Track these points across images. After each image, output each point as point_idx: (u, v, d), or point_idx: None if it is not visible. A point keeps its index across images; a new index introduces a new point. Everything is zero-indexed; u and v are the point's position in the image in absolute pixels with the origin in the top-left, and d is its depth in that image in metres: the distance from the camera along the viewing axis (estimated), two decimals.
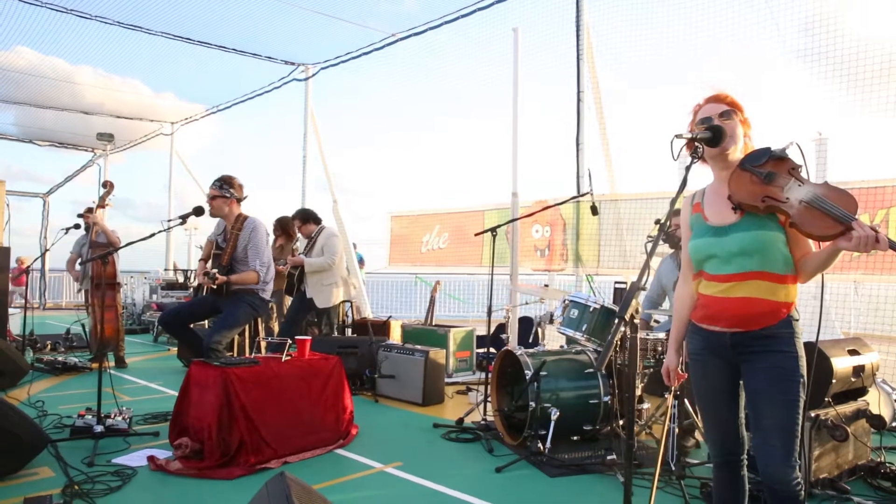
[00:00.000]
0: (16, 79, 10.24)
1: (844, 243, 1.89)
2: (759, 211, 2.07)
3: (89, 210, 7.27)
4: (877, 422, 3.67)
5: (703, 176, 2.42)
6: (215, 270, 4.55)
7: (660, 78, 7.05)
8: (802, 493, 2.07)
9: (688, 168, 2.11)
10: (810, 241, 2.08)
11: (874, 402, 4.16)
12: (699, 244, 2.22)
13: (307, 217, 6.75)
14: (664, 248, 4.94)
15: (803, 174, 2.07)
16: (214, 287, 4.54)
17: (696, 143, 2.15)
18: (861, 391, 3.84)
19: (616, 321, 1.93)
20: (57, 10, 7.64)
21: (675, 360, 2.42)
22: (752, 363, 2.14)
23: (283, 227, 7.42)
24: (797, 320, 2.14)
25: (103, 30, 8.36)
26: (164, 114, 13.26)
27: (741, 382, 2.23)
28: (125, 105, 12.17)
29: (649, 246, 2.11)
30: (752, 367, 2.14)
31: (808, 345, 3.33)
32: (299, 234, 6.91)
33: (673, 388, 2.44)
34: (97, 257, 4.98)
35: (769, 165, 2.10)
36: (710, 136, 2.14)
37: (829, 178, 5.98)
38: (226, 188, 4.77)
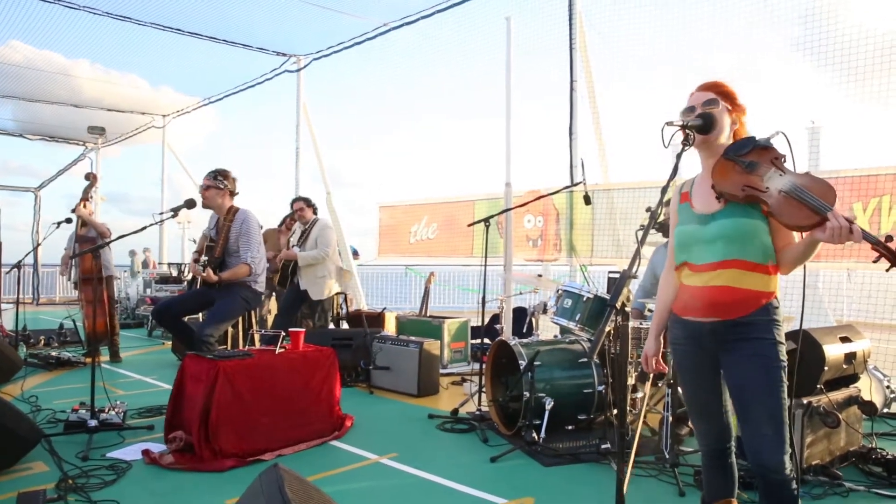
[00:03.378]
0: (8, 72, 10.14)
1: (819, 234, 1.89)
2: (738, 200, 2.07)
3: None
4: (868, 408, 3.70)
5: (695, 164, 2.42)
6: (205, 259, 4.55)
7: (654, 66, 7.03)
8: (795, 480, 2.08)
9: (678, 156, 2.10)
10: (793, 232, 2.08)
11: (866, 388, 4.19)
12: (684, 230, 2.24)
13: (310, 202, 6.78)
14: (657, 238, 4.94)
15: (788, 164, 2.07)
16: (203, 277, 4.53)
17: (687, 131, 2.14)
18: (853, 378, 3.86)
19: (607, 310, 1.92)
20: (43, 0, 7.54)
21: (654, 347, 2.44)
22: (731, 353, 2.14)
23: None
24: (776, 307, 2.13)
25: (94, 22, 8.27)
26: (157, 107, 13.16)
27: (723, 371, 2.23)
28: (120, 98, 12.07)
29: (640, 234, 2.10)
30: (731, 358, 2.14)
31: (792, 332, 3.35)
32: (296, 224, 6.88)
33: (651, 374, 2.46)
34: (85, 252, 4.95)
35: (753, 155, 2.10)
36: (700, 123, 2.14)
37: (821, 166, 5.99)
38: (220, 179, 4.77)
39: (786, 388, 2.08)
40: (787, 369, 2.10)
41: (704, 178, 2.25)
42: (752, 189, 2.03)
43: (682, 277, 2.26)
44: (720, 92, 2.22)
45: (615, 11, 6.88)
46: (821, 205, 1.87)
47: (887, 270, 1.86)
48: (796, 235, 2.09)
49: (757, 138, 2.14)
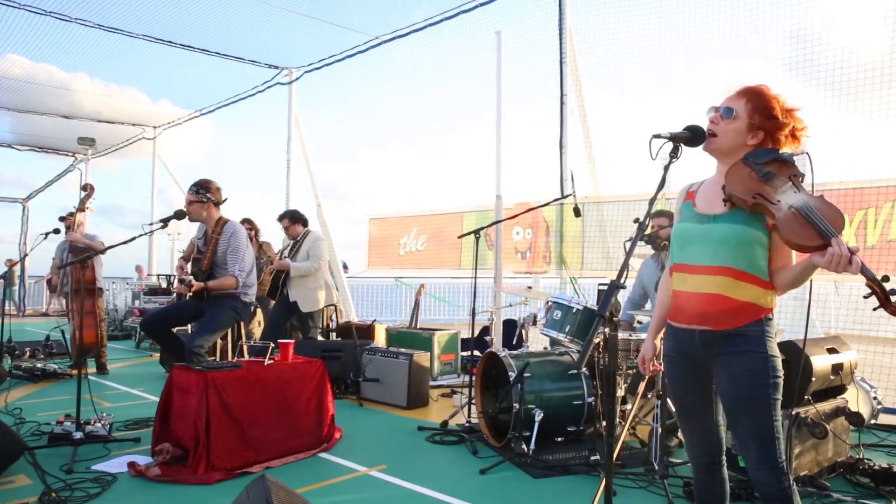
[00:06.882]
0: (6, 85, 10.12)
1: (818, 259, 1.86)
2: (746, 207, 2.03)
3: (71, 214, 7.15)
4: (856, 419, 3.72)
5: (683, 175, 2.44)
6: (191, 277, 4.51)
7: (643, 80, 7.11)
8: (788, 494, 2.01)
9: (666, 168, 2.11)
10: (793, 254, 2.05)
11: (853, 399, 4.22)
12: (681, 228, 2.22)
13: (296, 218, 6.69)
14: (646, 250, 4.97)
15: (806, 186, 2.03)
16: (191, 294, 4.51)
17: (675, 143, 2.14)
18: (840, 389, 3.88)
19: (596, 320, 1.93)
20: (34, 12, 7.54)
21: (649, 350, 2.45)
22: (722, 366, 2.10)
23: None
24: (770, 320, 2.10)
25: (88, 35, 8.29)
26: (149, 119, 13.14)
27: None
28: (112, 111, 12.05)
29: (628, 245, 2.10)
30: (721, 371, 2.11)
31: (789, 344, 3.37)
32: (284, 236, 6.87)
33: (643, 383, 2.45)
34: (75, 262, 4.90)
35: (772, 165, 2.06)
36: (688, 135, 2.13)
37: (808, 180, 6.06)
38: (202, 192, 4.72)
39: (776, 403, 2.04)
40: (779, 384, 2.05)
41: (716, 180, 2.21)
42: (763, 199, 1.99)
43: (675, 283, 2.21)
44: (752, 101, 2.15)
45: (605, 27, 6.98)
46: (828, 229, 1.84)
47: (875, 310, 1.83)
48: (794, 257, 2.06)
49: (780, 151, 2.12)
